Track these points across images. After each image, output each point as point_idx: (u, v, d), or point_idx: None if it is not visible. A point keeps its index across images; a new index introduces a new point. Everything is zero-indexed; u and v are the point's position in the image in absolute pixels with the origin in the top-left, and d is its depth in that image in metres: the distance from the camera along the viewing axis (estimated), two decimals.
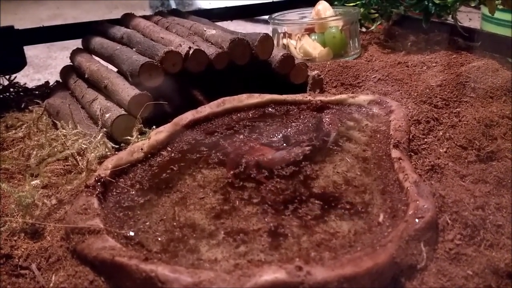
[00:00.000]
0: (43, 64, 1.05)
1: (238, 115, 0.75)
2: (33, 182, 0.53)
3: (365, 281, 0.39)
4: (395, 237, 0.44)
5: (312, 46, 0.97)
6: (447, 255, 0.45)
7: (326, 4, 1.06)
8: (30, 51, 1.51)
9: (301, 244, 0.47)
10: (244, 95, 0.77)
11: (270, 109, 0.77)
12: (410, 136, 0.66)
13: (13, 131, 0.79)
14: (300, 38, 0.99)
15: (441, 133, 0.66)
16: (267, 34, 0.78)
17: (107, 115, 0.67)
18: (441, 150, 0.63)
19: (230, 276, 0.38)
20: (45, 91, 1.03)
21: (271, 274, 0.37)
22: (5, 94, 1.01)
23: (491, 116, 0.68)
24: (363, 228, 0.48)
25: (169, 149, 0.64)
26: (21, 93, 1.02)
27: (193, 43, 0.77)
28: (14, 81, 1.05)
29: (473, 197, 0.51)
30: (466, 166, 0.60)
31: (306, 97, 0.78)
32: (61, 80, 1.00)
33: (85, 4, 2.64)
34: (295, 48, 1.00)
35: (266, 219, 0.53)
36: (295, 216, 0.53)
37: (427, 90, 0.77)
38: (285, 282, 0.37)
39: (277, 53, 0.81)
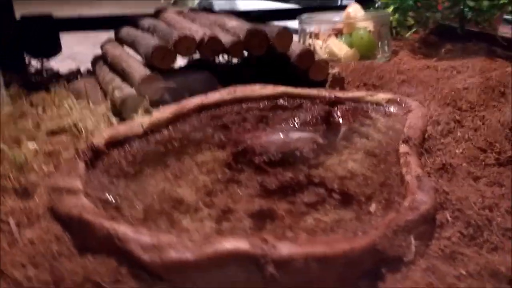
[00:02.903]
0: (86, 60, 1.11)
1: (249, 104, 0.73)
2: (29, 145, 0.54)
3: (337, 264, 0.36)
4: (382, 225, 0.40)
5: (338, 47, 0.94)
6: (441, 252, 0.41)
7: (358, 7, 1.03)
8: (76, 47, 1.59)
9: (284, 227, 0.45)
10: (258, 86, 0.75)
11: (282, 102, 0.75)
12: (426, 135, 0.62)
13: (36, 108, 0.82)
14: (326, 39, 0.97)
15: (459, 134, 0.61)
16: (285, 28, 0.76)
17: (117, 94, 0.68)
18: (457, 151, 0.58)
19: (192, 243, 0.36)
20: (76, 76, 1.06)
21: (232, 243, 0.35)
22: (37, 77, 1.05)
23: None
24: (351, 217, 0.44)
25: (171, 128, 0.63)
26: (53, 77, 1.06)
27: (212, 32, 0.77)
28: (49, 67, 1.09)
29: (482, 198, 0.46)
30: (482, 168, 0.54)
31: (322, 92, 0.76)
32: (91, 69, 1.03)
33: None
34: (321, 48, 0.98)
35: (256, 202, 0.50)
36: (286, 201, 0.50)
37: (453, 92, 0.72)
38: (247, 253, 0.34)
39: (297, 47, 0.80)
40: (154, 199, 0.50)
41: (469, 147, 0.58)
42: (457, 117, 0.66)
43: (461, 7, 0.87)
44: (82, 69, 1.11)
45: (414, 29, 1.12)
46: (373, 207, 0.45)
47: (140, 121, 0.60)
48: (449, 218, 0.44)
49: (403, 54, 1.00)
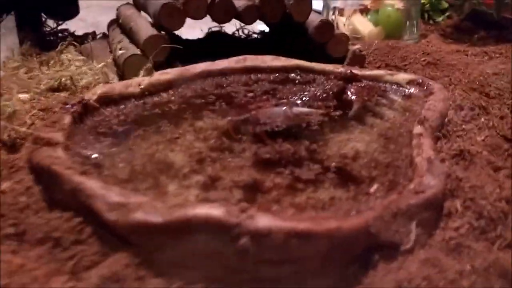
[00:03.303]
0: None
1: (258, 75, 0.69)
2: (20, 95, 0.52)
3: (320, 243, 0.32)
4: (379, 206, 0.35)
5: (362, 24, 0.88)
6: (445, 244, 0.36)
7: None
8: (100, 17, 1.56)
9: (273, 201, 0.41)
10: (269, 57, 0.71)
11: (294, 75, 0.70)
12: (446, 119, 0.56)
13: (41, 65, 0.80)
14: (351, 15, 0.91)
15: (483, 121, 0.55)
16: None
17: (120, 52, 0.65)
18: (478, 138, 0.52)
19: (163, 205, 0.33)
20: (90, 39, 1.04)
21: (205, 209, 0.31)
22: (51, 38, 1.04)
23: None
24: (349, 196, 0.40)
25: (171, 92, 0.60)
26: (67, 38, 1.04)
27: None
28: (65, 27, 1.08)
29: (500, 189, 0.41)
30: (505, 159, 0.49)
31: (337, 68, 0.70)
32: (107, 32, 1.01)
33: None
34: (344, 25, 0.92)
35: (250, 173, 0.47)
36: (282, 176, 0.46)
37: (481, 77, 0.66)
38: (219, 221, 0.31)
39: (315, 18, 0.74)
40: (142, 161, 0.47)
41: (492, 135, 0.52)
42: (483, 103, 0.60)
43: None
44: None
45: (447, 14, 1.04)
46: (374, 188, 0.41)
47: (138, 80, 0.57)
48: (459, 207, 0.39)
49: (433, 38, 0.93)
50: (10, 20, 0.95)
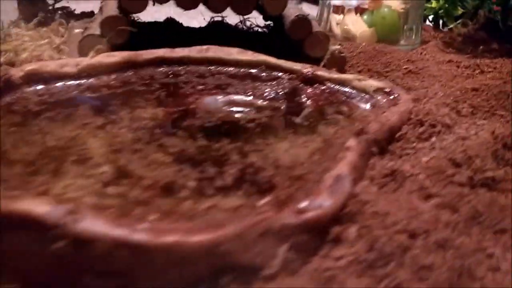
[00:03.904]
0: None
1: (219, 68, 0.66)
2: None
3: (155, 258, 0.28)
4: (245, 222, 0.31)
5: (355, 24, 0.82)
6: (318, 274, 0.31)
7: None
8: None
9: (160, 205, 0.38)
10: (235, 49, 0.67)
11: (257, 71, 0.66)
12: (398, 135, 0.51)
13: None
14: (345, 14, 0.85)
15: (435, 140, 0.49)
16: None
17: (76, 31, 0.63)
18: (423, 159, 0.46)
19: (5, 197, 0.30)
20: (88, 17, 1.04)
21: (32, 204, 0.29)
22: (49, 15, 1.04)
23: None
24: (232, 207, 0.36)
25: (113, 76, 0.57)
26: (64, 16, 1.04)
27: None
28: (66, 5, 1.08)
29: (411, 219, 0.36)
30: (443, 186, 0.43)
31: (306, 68, 0.66)
32: None
33: None
34: (337, 24, 0.86)
35: (164, 172, 0.44)
36: (197, 179, 0.42)
37: (458, 92, 0.59)
38: (38, 219, 0.28)
39: (292, 13, 0.70)
40: (55, 144, 0.45)
41: (439, 157, 0.46)
42: (449, 122, 0.53)
43: None
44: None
45: (459, 21, 0.96)
46: (263, 201, 0.36)
47: (77, 60, 0.55)
48: (352, 235, 0.34)
49: (431, 45, 0.86)
50: None
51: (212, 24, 1.17)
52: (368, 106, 0.59)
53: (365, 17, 0.86)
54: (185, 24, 1.20)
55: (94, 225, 0.28)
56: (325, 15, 0.91)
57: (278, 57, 0.68)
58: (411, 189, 0.42)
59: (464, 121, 0.55)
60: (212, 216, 0.34)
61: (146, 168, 0.44)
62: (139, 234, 0.28)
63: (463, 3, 0.94)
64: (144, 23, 1.17)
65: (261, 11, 0.69)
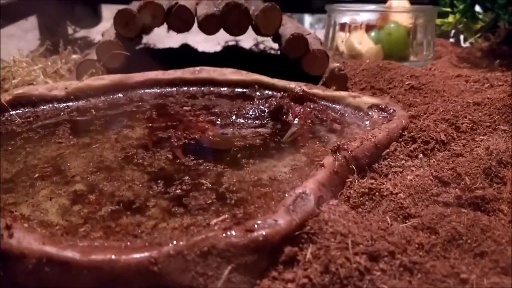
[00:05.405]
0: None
1: (212, 89, 0.65)
2: None
3: (85, 276, 0.27)
4: (187, 242, 0.30)
5: (360, 41, 0.80)
6: None
7: (404, 1, 0.87)
8: None
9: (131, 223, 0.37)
10: (229, 69, 0.67)
11: (250, 91, 0.65)
12: (385, 152, 0.48)
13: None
14: (352, 31, 0.84)
15: (422, 157, 0.46)
16: (273, 4, 0.66)
17: (74, 57, 0.65)
18: (408, 177, 0.43)
19: None
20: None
21: None
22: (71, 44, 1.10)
23: None
24: (185, 225, 0.35)
25: (103, 98, 0.58)
26: (83, 46, 1.09)
27: (197, 4, 0.70)
28: (87, 35, 1.13)
29: (376, 240, 0.33)
30: (425, 206, 0.39)
31: (300, 87, 0.64)
32: None
33: None
34: (342, 42, 0.85)
35: (137, 190, 0.43)
36: (170, 198, 0.41)
37: (459, 107, 0.56)
38: None
39: (287, 32, 0.69)
40: (36, 163, 0.46)
41: (425, 175, 0.43)
42: (443, 138, 0.50)
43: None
44: None
45: (478, 35, 0.92)
46: (218, 219, 0.35)
47: (66, 84, 0.56)
48: (308, 256, 0.31)
49: (444, 60, 0.82)
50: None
51: (226, 49, 1.19)
52: (360, 123, 0.57)
53: (372, 34, 0.84)
54: (200, 50, 1.22)
55: (22, 241, 0.27)
56: (330, 33, 0.89)
57: (289, 78, 0.67)
58: (387, 209, 0.39)
59: (462, 137, 0.51)
60: (158, 234, 0.33)
61: (117, 186, 0.44)
62: (69, 251, 0.27)
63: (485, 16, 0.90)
64: (159, 49, 1.20)
65: (258, 32, 0.69)
